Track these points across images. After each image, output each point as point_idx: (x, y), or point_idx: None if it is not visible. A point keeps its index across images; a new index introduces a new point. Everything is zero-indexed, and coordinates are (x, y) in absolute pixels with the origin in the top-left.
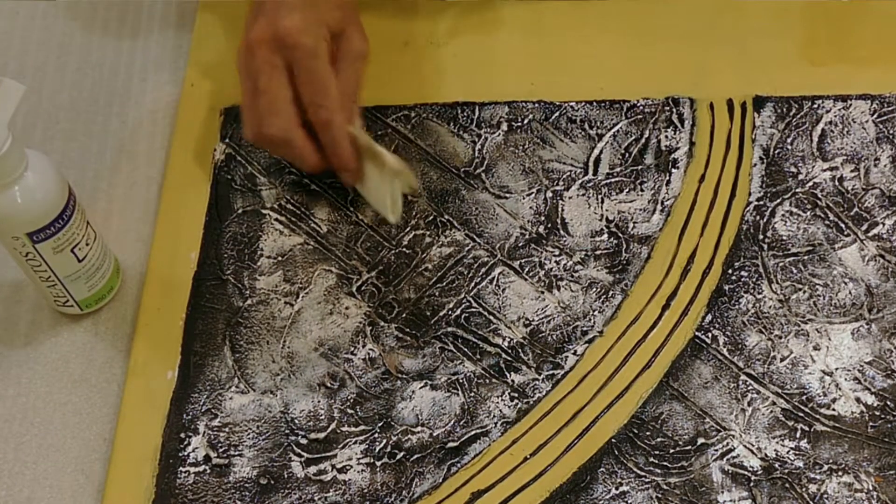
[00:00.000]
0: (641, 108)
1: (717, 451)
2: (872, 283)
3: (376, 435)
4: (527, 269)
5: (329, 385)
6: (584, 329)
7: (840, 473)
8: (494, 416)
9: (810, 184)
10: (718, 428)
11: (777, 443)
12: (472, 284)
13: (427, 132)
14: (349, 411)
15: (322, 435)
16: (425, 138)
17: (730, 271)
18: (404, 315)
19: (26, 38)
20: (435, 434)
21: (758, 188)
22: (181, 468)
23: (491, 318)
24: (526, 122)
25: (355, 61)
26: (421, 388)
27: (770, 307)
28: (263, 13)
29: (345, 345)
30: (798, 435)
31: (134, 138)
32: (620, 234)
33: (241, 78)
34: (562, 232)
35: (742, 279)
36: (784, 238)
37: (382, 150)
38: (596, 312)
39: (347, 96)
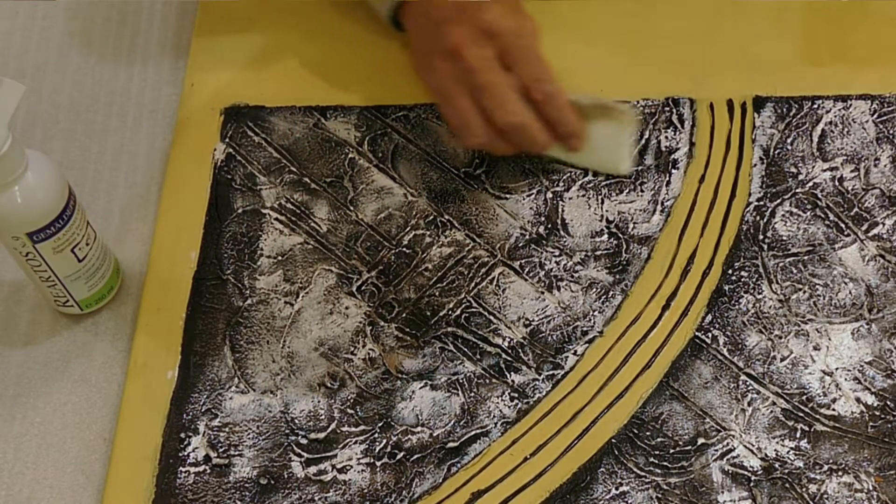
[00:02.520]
0: (641, 108)
1: (717, 451)
2: (872, 283)
3: (376, 435)
4: (527, 270)
5: (329, 385)
6: (585, 329)
7: (840, 473)
8: (494, 416)
9: (810, 184)
10: (718, 428)
11: (777, 443)
12: (473, 284)
13: (427, 132)
14: (349, 411)
15: (322, 435)
16: (425, 138)
17: (730, 271)
18: (404, 315)
19: (26, 38)
20: (435, 434)
21: (758, 188)
22: (181, 468)
23: (491, 318)
24: None
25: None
26: (421, 388)
27: (770, 307)
28: (445, 20)
29: (345, 345)
30: (798, 435)
31: (134, 138)
32: (620, 235)
33: (447, 86)
34: (562, 232)
35: (742, 279)
36: (784, 238)
37: (609, 101)
38: (596, 313)
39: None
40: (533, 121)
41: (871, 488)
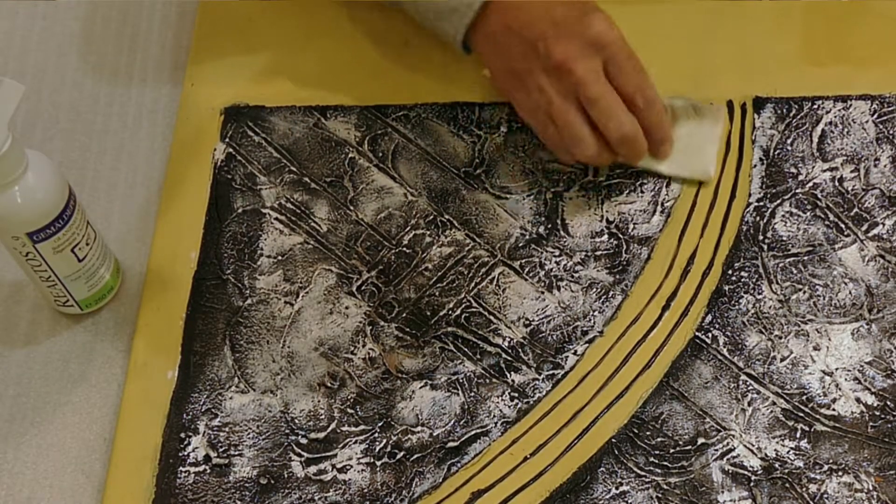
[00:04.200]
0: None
1: (717, 450)
2: (872, 283)
3: (376, 435)
4: (527, 270)
5: (329, 385)
6: (585, 329)
7: (840, 473)
8: (494, 416)
9: (810, 184)
10: (718, 428)
11: (777, 443)
12: (473, 284)
13: (427, 132)
14: (349, 411)
15: (322, 435)
16: (425, 138)
17: (730, 272)
18: (404, 315)
19: (26, 38)
20: (435, 434)
21: (758, 189)
22: (181, 468)
23: (491, 318)
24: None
25: None
26: (421, 387)
27: (770, 307)
28: (543, 37)
29: (345, 344)
30: (798, 435)
31: (134, 138)
32: (620, 235)
33: (555, 102)
34: (562, 232)
35: (742, 280)
36: (784, 238)
37: (697, 102)
38: (596, 313)
39: None
40: (640, 130)
41: (871, 488)
